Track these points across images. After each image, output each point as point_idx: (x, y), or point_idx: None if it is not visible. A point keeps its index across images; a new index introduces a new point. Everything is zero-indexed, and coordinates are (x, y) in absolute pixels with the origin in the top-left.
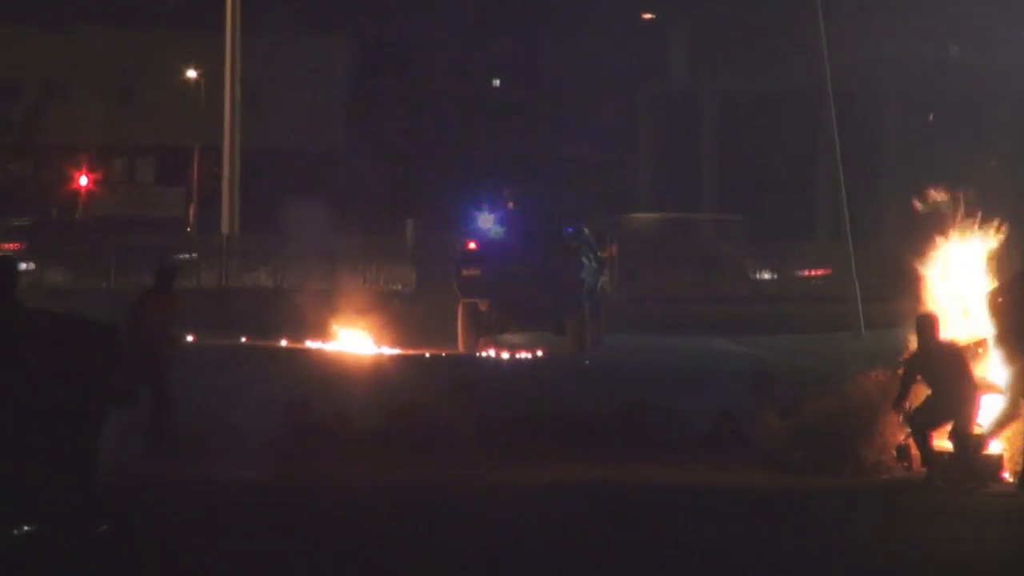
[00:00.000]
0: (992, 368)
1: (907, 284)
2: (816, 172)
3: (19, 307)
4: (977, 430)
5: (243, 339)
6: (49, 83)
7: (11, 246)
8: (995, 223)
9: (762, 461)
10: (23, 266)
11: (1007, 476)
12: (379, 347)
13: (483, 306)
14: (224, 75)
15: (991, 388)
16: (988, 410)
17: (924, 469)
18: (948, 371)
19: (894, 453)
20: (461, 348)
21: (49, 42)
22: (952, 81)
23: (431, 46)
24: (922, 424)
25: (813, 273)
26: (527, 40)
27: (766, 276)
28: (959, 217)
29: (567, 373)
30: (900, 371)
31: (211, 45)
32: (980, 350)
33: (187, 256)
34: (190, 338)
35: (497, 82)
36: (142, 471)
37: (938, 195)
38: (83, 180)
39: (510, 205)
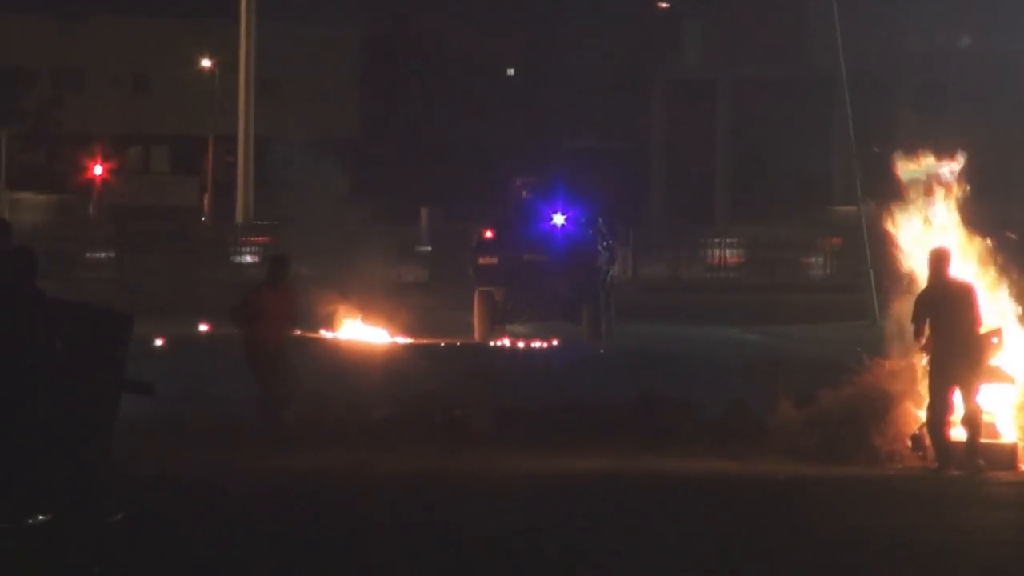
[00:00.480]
0: (1006, 359)
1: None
2: (831, 159)
3: (41, 296)
4: (987, 418)
5: None
6: (63, 72)
7: (261, 240)
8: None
9: (776, 450)
10: (248, 259)
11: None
12: (393, 336)
13: (499, 295)
14: (239, 64)
15: (1003, 378)
16: (1000, 401)
17: (937, 462)
18: (954, 307)
19: (908, 443)
20: (477, 337)
21: (63, 31)
22: (966, 69)
23: (445, 35)
24: (934, 391)
25: None
26: (541, 29)
27: None
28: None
29: (582, 362)
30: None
31: (226, 34)
32: (995, 340)
33: (427, 249)
34: (204, 327)
35: (511, 71)
36: (157, 460)
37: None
38: (98, 170)
39: (524, 194)
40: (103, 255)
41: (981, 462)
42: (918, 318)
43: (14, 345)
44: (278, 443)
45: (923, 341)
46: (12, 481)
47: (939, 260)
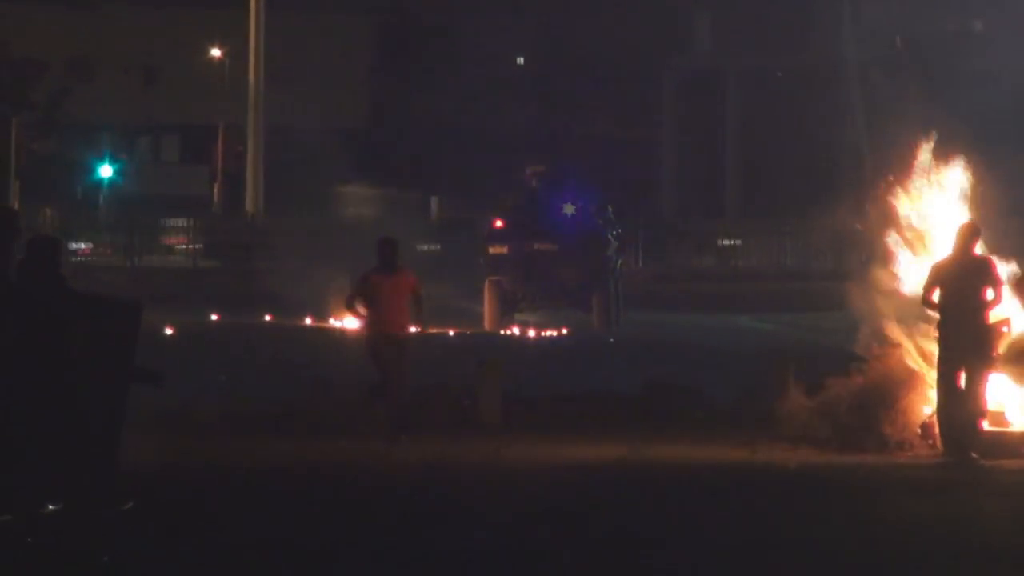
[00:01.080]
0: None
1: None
2: (841, 148)
3: (64, 287)
4: (996, 407)
5: (267, 318)
6: (73, 61)
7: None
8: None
9: (786, 438)
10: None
11: None
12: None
13: (509, 284)
14: (249, 53)
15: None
16: (1009, 390)
17: (944, 449)
18: (971, 284)
19: (918, 431)
20: (487, 326)
21: (74, 20)
22: (976, 57)
23: (455, 24)
24: (942, 376)
25: None
26: (551, 18)
27: None
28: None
29: (592, 350)
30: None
31: (236, 23)
32: (1005, 329)
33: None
34: (214, 316)
35: (521, 59)
36: (166, 449)
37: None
38: (107, 159)
39: (534, 183)
40: (427, 247)
41: (974, 455)
42: (930, 286)
43: (39, 338)
44: (395, 439)
45: (932, 298)
46: (23, 470)
47: (967, 234)
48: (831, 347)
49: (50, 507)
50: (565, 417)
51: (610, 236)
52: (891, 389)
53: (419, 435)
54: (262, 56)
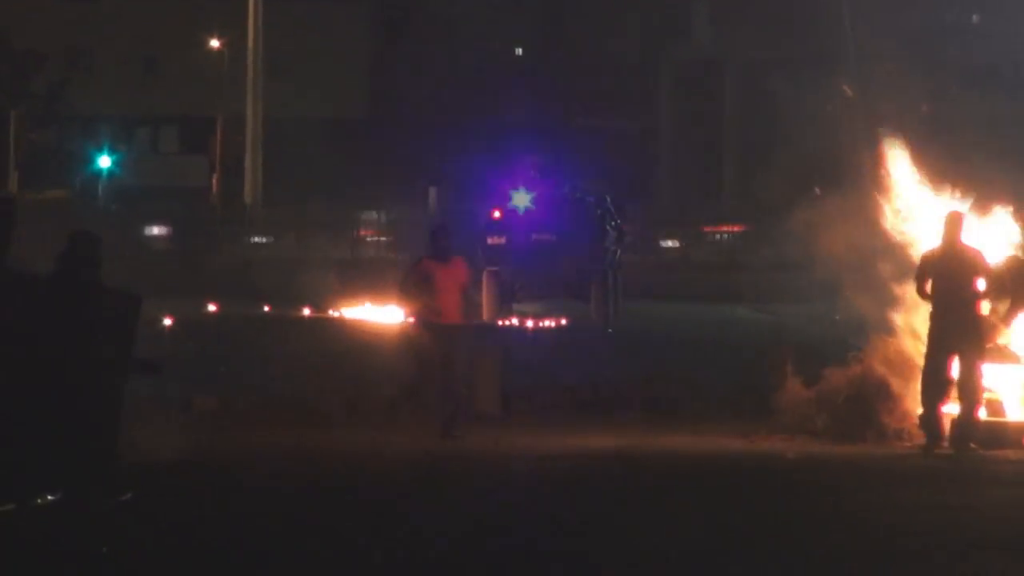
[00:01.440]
0: (1013, 338)
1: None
2: (839, 138)
3: (81, 280)
4: (993, 397)
5: (266, 308)
6: (73, 52)
7: (734, 228)
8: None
9: (785, 429)
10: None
11: None
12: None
13: (507, 274)
14: (247, 43)
15: (1010, 357)
16: (1007, 381)
17: (924, 436)
18: (960, 273)
19: (916, 421)
20: (486, 316)
21: (73, 11)
22: (974, 49)
23: (454, 14)
24: (929, 359)
25: None
26: (550, 8)
27: None
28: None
29: (590, 341)
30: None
31: (235, 13)
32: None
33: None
34: (212, 307)
35: (519, 50)
36: (165, 440)
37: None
38: (106, 150)
39: (533, 174)
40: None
41: (973, 444)
42: (921, 276)
43: (38, 327)
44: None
45: (926, 288)
46: (22, 461)
47: (953, 224)
48: (830, 337)
49: (48, 497)
50: (563, 407)
51: (608, 227)
52: (889, 379)
53: (418, 425)
54: (261, 47)
